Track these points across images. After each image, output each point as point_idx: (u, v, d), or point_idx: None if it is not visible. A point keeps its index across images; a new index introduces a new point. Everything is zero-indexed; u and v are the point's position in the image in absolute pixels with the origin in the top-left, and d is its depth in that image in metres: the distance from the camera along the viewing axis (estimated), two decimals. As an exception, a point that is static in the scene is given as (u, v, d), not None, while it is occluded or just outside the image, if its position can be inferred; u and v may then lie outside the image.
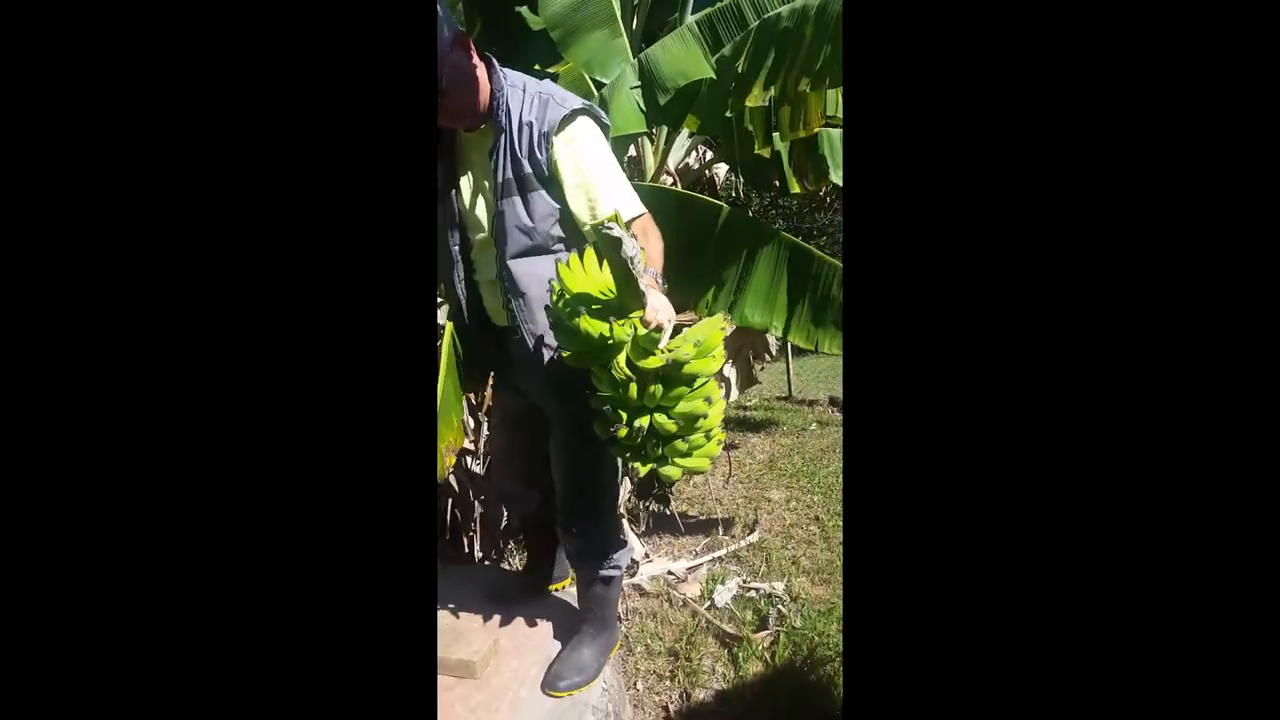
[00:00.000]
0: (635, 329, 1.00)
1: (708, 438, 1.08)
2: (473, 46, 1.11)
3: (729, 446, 3.62)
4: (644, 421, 1.04)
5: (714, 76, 1.61)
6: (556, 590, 1.63)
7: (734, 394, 2.62)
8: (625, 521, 2.29)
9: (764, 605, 2.03)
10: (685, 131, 2.31)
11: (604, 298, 1.03)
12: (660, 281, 1.09)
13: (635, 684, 1.71)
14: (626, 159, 2.25)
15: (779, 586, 2.12)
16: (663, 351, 0.99)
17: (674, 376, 1.02)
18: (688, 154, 2.49)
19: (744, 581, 2.19)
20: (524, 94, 1.14)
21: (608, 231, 0.93)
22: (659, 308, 1.00)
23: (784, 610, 1.99)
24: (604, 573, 1.35)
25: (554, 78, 2.27)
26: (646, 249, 1.10)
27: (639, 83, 1.70)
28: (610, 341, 1.00)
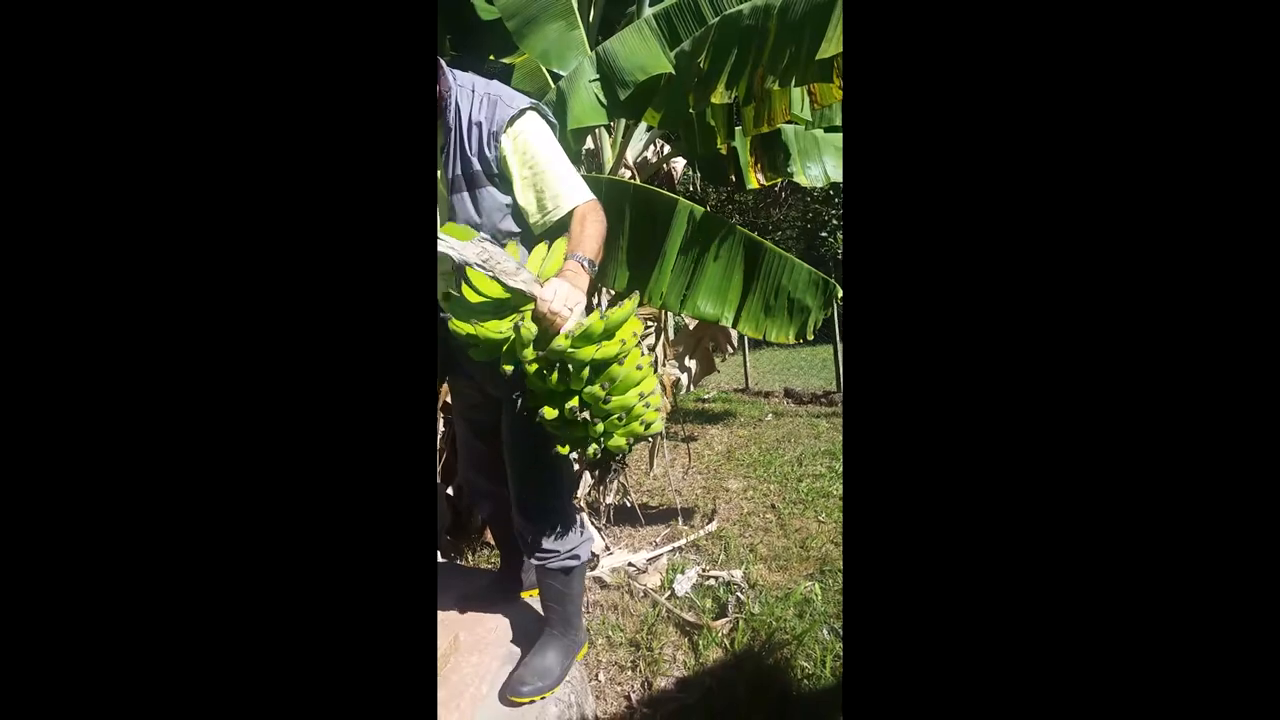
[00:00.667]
0: (519, 324, 1.04)
1: (645, 403, 1.11)
2: None
3: (688, 438, 3.66)
4: (572, 403, 1.07)
5: (673, 71, 1.62)
6: (529, 598, 1.62)
7: (691, 385, 2.66)
8: (586, 515, 2.30)
9: (723, 593, 2.08)
10: (643, 125, 2.32)
11: (504, 297, 1.06)
12: (590, 266, 1.12)
13: (597, 675, 1.73)
14: (584, 151, 2.24)
15: (737, 574, 2.17)
16: (565, 337, 1.03)
17: (584, 361, 1.05)
18: (646, 148, 2.50)
19: (703, 570, 2.22)
20: (473, 94, 1.17)
21: (440, 246, 0.98)
22: (554, 297, 1.03)
23: (742, 597, 2.03)
24: (562, 563, 1.33)
25: (510, 69, 2.24)
26: (583, 233, 1.13)
27: (597, 76, 1.69)
28: (497, 338, 1.05)
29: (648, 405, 1.13)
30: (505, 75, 2.21)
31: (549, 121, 1.22)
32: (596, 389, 1.06)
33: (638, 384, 1.11)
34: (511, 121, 1.15)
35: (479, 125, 1.15)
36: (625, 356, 1.08)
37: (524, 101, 1.18)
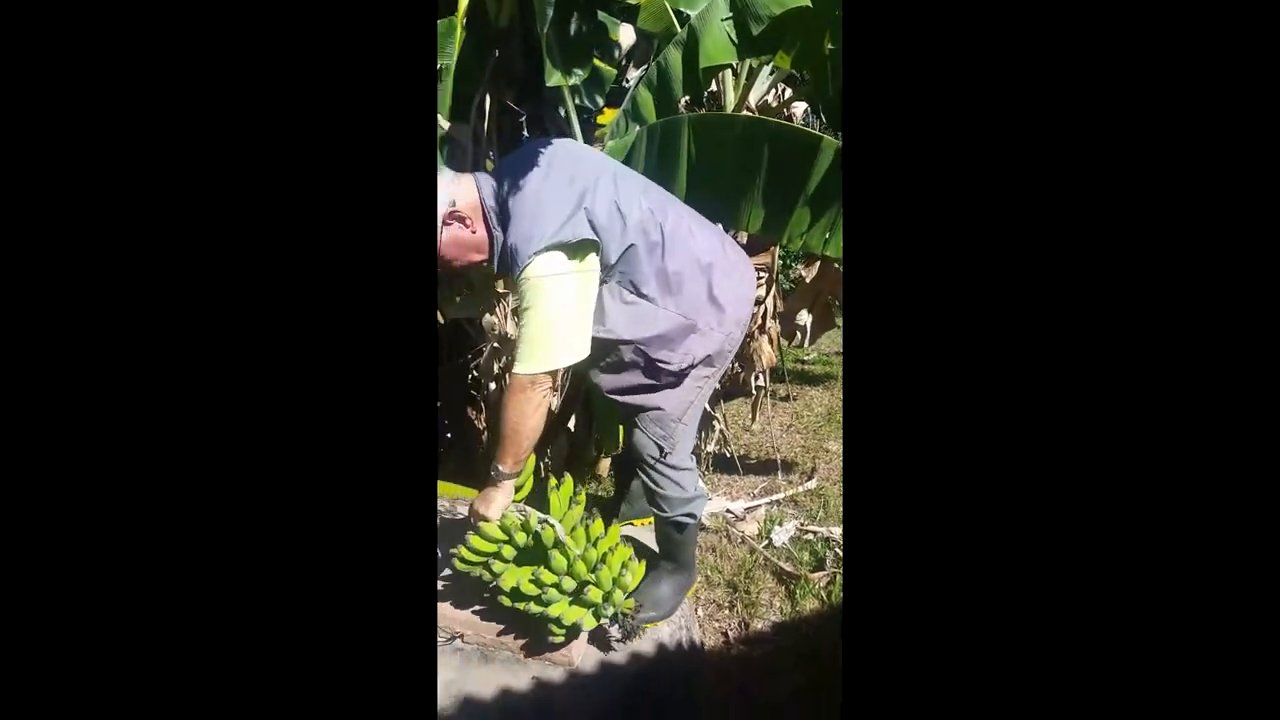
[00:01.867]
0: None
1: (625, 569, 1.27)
2: (465, 218, 1.19)
3: (787, 398, 3.61)
4: (596, 595, 1.23)
5: (810, 4, 1.54)
6: (640, 525, 1.68)
7: (807, 341, 2.61)
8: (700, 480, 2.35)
9: (820, 548, 2.07)
10: (765, 69, 2.23)
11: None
12: (498, 475, 1.23)
13: (696, 609, 1.80)
14: (706, 95, 2.19)
15: (836, 532, 2.15)
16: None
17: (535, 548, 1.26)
18: (768, 91, 2.41)
19: (801, 524, 2.23)
20: (497, 238, 1.21)
21: None
22: (469, 511, 1.28)
23: (840, 554, 2.02)
24: (677, 517, 1.36)
25: (635, 9, 2.21)
26: (501, 430, 1.21)
27: (730, 14, 1.64)
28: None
29: (625, 570, 1.26)
30: (630, 14, 2.18)
31: (582, 242, 1.15)
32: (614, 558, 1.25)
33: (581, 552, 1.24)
34: (523, 274, 1.15)
35: (511, 254, 1.17)
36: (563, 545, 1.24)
37: (539, 240, 1.13)
